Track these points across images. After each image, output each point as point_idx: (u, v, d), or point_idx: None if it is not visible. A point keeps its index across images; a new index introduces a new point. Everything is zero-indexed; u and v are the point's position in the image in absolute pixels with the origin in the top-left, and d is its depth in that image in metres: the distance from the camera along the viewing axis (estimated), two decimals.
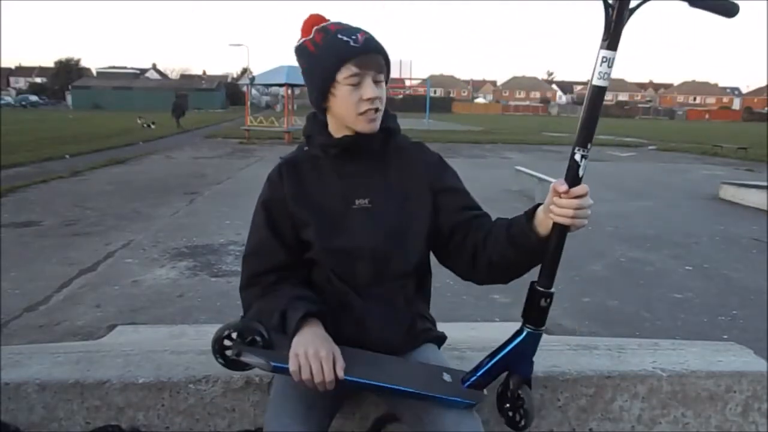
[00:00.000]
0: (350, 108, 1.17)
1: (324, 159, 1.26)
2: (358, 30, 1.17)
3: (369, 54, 1.15)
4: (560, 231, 1.03)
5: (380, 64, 1.18)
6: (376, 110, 1.18)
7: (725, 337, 3.62)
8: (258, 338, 1.14)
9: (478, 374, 1.16)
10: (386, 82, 1.21)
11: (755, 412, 1.54)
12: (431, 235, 1.26)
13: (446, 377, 1.18)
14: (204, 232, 6.31)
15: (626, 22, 0.95)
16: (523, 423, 1.13)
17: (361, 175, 1.25)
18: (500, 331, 2.76)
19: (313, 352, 1.06)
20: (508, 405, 1.17)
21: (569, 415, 1.50)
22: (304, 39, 1.20)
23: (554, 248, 1.04)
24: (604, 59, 0.96)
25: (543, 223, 1.07)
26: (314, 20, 1.20)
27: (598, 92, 0.98)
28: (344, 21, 1.22)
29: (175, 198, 8.53)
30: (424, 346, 1.31)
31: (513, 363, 1.13)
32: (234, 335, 1.15)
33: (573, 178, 0.99)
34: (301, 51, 1.21)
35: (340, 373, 1.06)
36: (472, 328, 2.64)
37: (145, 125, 25.98)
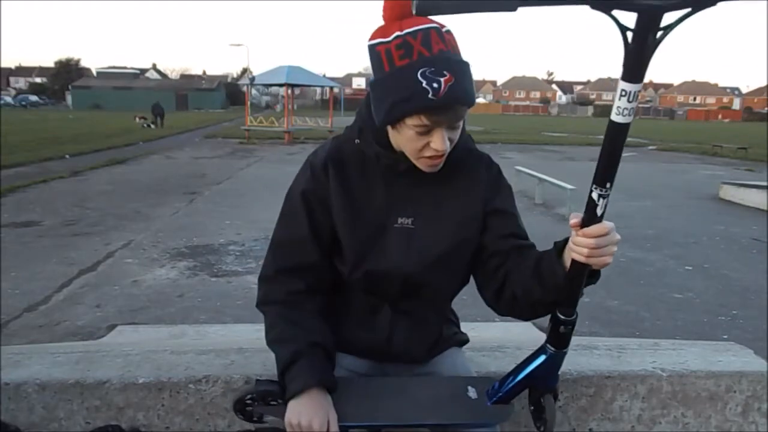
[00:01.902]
0: (412, 149, 1.05)
1: (374, 162, 1.14)
2: (445, 70, 0.96)
3: (449, 108, 0.99)
4: (579, 266, 0.96)
5: (460, 115, 1.02)
6: (443, 155, 1.06)
7: (725, 337, 3.63)
8: (279, 400, 1.12)
9: (504, 390, 1.14)
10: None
11: (755, 412, 1.54)
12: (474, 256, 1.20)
13: (471, 393, 1.15)
14: (204, 232, 6.31)
15: (653, 50, 0.78)
16: (542, 429, 1.14)
17: (411, 190, 1.14)
18: (500, 330, 2.76)
19: (306, 422, 1.03)
20: (533, 408, 1.17)
21: (569, 415, 1.50)
22: (380, 41, 1.01)
23: (573, 279, 0.98)
24: (624, 93, 0.81)
25: (568, 258, 0.97)
26: (396, 11, 0.99)
27: (617, 129, 0.85)
28: (427, 24, 0.99)
29: (175, 198, 8.54)
30: (448, 352, 1.29)
31: (538, 378, 1.12)
32: (254, 397, 1.13)
33: (590, 216, 0.91)
34: (373, 56, 1.02)
35: None
36: (472, 328, 2.62)
37: (144, 125, 25.98)
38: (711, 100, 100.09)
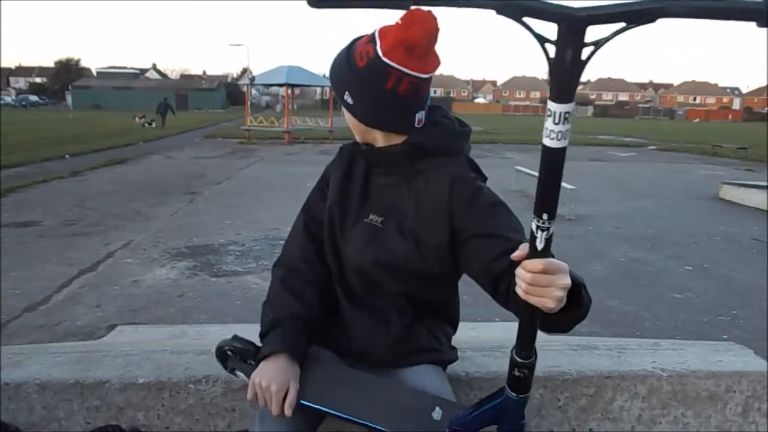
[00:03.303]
0: None
1: (362, 161, 1.26)
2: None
3: None
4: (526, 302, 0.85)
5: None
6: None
7: (725, 337, 3.63)
8: (251, 361, 1.18)
9: (465, 421, 1.07)
10: (347, 101, 1.16)
11: (755, 412, 1.54)
12: (448, 273, 1.21)
13: (436, 414, 1.10)
14: (204, 232, 6.31)
15: (580, 68, 0.68)
16: None
17: (388, 190, 1.21)
18: (500, 330, 2.76)
19: (266, 384, 1.09)
20: None
21: (569, 415, 1.50)
22: None
23: (526, 315, 0.86)
24: (550, 113, 0.71)
25: None
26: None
27: (551, 153, 0.73)
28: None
29: (175, 198, 8.53)
30: (424, 367, 1.22)
31: (500, 419, 1.02)
32: (235, 348, 1.21)
33: (532, 249, 0.81)
34: None
35: (287, 411, 1.09)
36: (471, 328, 2.64)
37: (146, 124, 25.95)
38: (711, 100, 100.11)
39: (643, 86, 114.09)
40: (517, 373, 0.91)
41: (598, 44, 0.67)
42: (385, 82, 1.08)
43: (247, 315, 3.74)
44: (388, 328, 1.21)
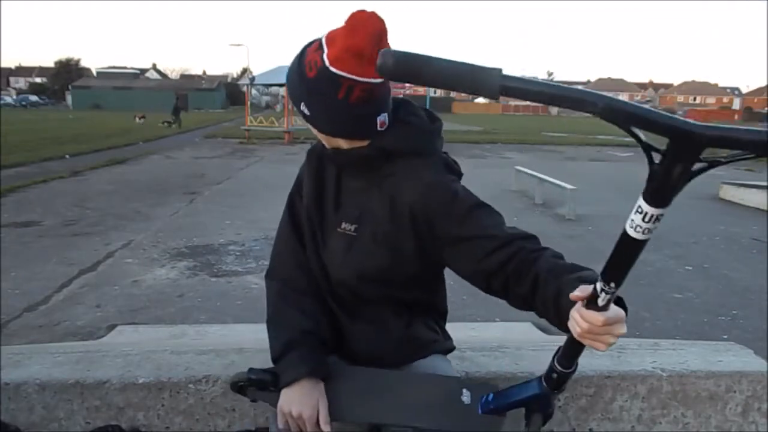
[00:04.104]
0: None
1: (331, 163, 1.20)
2: None
3: None
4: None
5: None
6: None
7: (725, 337, 3.63)
8: (271, 388, 1.15)
9: (498, 403, 1.08)
10: (304, 112, 1.11)
11: (755, 412, 1.54)
12: (432, 270, 1.20)
13: (465, 397, 1.09)
14: (204, 232, 6.31)
15: (685, 181, 0.64)
16: None
17: (358, 194, 1.16)
18: (500, 330, 2.77)
19: (296, 413, 1.07)
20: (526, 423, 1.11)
21: (569, 415, 1.51)
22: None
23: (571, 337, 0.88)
24: (640, 210, 0.69)
25: None
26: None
27: (630, 242, 0.72)
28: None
29: (175, 198, 8.54)
30: (431, 358, 1.23)
31: (532, 403, 1.04)
32: (251, 382, 1.16)
33: (591, 301, 0.80)
34: None
35: (325, 429, 1.08)
36: (471, 328, 2.64)
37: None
38: (711, 100, 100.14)
39: (643, 86, 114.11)
40: (554, 376, 0.95)
41: (711, 164, 0.63)
42: (337, 92, 1.03)
43: (247, 315, 3.75)
44: (389, 331, 1.20)
